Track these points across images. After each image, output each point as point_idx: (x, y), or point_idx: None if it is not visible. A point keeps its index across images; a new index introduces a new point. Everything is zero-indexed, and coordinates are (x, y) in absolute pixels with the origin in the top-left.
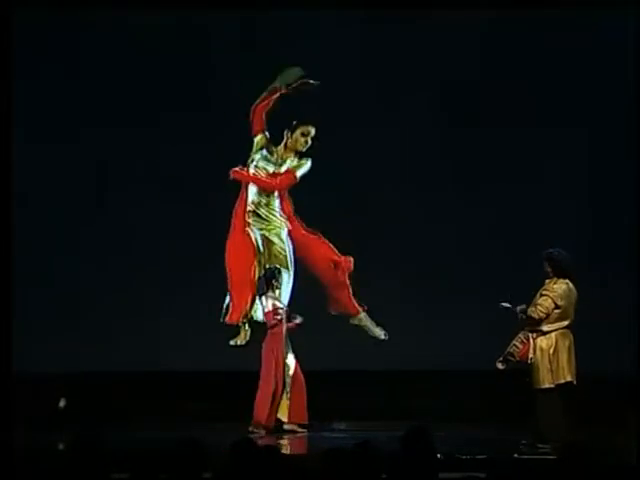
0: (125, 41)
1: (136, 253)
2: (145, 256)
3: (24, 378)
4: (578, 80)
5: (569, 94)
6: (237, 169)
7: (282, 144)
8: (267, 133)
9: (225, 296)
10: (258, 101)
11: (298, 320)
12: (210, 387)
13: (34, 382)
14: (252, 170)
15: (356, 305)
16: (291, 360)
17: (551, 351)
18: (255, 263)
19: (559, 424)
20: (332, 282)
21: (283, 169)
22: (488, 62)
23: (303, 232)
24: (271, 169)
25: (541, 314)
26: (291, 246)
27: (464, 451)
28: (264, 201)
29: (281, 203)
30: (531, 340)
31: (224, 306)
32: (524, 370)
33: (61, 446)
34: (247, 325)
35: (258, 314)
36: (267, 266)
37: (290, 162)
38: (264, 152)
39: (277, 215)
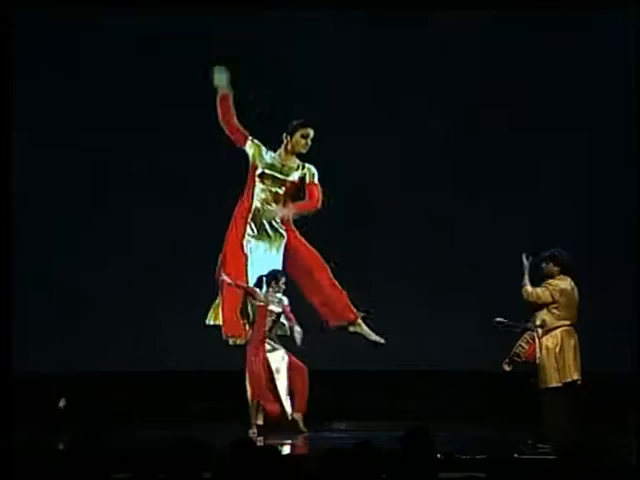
0: (125, 41)
1: (136, 253)
2: (145, 256)
3: (24, 378)
4: (578, 82)
5: (569, 96)
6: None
7: (282, 148)
8: (252, 138)
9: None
10: (220, 115)
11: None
12: (210, 387)
13: (34, 382)
14: (257, 181)
15: (354, 311)
16: (277, 355)
17: (557, 350)
18: (247, 274)
19: (563, 423)
20: (327, 290)
21: (293, 178)
22: (488, 62)
23: (297, 243)
24: (279, 176)
25: (532, 298)
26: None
27: (464, 451)
28: (267, 211)
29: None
30: (536, 340)
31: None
32: (527, 371)
33: (61, 446)
34: (247, 326)
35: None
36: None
37: (300, 170)
38: (267, 158)
39: (277, 225)
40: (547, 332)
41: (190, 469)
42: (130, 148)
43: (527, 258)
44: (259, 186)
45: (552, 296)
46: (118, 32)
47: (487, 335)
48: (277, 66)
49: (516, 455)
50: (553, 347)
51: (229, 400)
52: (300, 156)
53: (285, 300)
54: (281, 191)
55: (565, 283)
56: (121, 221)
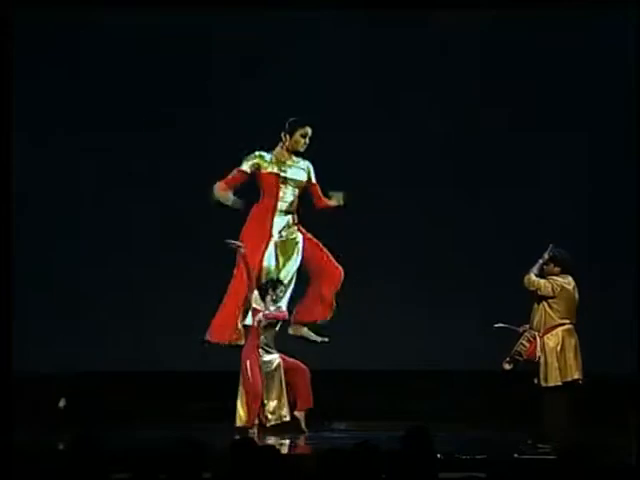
0: (125, 41)
1: (136, 253)
2: (145, 256)
3: (24, 378)
4: (578, 82)
5: (569, 96)
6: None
7: (280, 146)
8: (247, 159)
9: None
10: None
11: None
12: (210, 387)
13: (34, 382)
14: (282, 185)
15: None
16: (271, 360)
17: (558, 349)
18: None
19: (563, 423)
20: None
21: (302, 177)
22: (488, 62)
23: (310, 242)
24: (295, 177)
25: (532, 286)
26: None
27: (464, 451)
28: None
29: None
30: (537, 339)
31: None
32: (527, 371)
33: (61, 446)
34: (242, 330)
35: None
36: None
37: (304, 166)
38: (274, 161)
39: (296, 228)
40: (548, 331)
41: (190, 469)
42: (130, 148)
43: (550, 251)
44: (282, 189)
45: (553, 290)
46: (118, 32)
47: (487, 335)
48: (277, 66)
49: (516, 455)
50: (554, 346)
51: (229, 400)
52: (299, 155)
53: (283, 307)
54: (297, 192)
55: (567, 281)
56: (121, 221)
